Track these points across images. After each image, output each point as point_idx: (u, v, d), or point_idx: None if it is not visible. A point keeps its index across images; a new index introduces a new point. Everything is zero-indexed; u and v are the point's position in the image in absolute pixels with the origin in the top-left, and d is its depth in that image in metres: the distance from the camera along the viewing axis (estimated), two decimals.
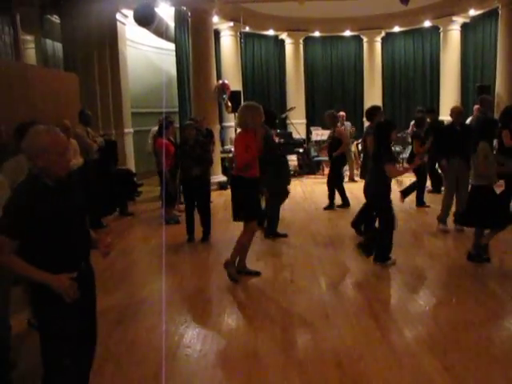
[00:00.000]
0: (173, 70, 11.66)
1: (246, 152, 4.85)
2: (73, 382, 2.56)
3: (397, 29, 14.75)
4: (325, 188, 8.73)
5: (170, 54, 12.23)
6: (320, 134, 12.74)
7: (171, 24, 11.22)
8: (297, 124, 13.87)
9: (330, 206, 8.59)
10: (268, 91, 15.03)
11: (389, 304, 4.45)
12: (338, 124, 11.35)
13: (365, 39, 15.12)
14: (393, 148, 5.71)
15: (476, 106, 9.97)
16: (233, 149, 11.80)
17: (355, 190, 10.09)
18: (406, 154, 11.09)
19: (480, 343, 3.59)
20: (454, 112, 6.91)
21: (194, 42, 10.84)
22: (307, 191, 10.32)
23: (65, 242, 2.46)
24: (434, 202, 8.13)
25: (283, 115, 13.36)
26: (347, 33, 15.08)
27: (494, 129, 5.38)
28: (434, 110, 9.77)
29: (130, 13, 9.94)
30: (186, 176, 6.72)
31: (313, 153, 12.86)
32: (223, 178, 11.23)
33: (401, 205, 7.83)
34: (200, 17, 10.77)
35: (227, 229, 7.35)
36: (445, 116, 11.07)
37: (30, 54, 10.07)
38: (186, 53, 11.19)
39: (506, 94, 10.56)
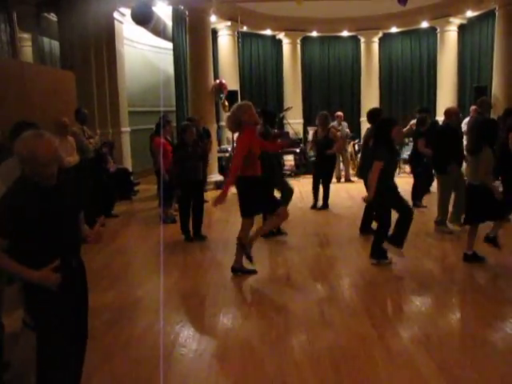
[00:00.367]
0: (170, 69, 11.66)
1: (242, 153, 4.85)
2: (66, 378, 2.57)
3: (394, 29, 14.76)
4: (321, 188, 8.66)
5: (167, 53, 12.22)
6: None
7: (169, 23, 11.22)
8: (294, 124, 13.89)
9: (316, 205, 8.60)
10: (265, 91, 15.02)
11: (385, 304, 4.45)
12: (335, 124, 11.42)
13: (362, 39, 15.13)
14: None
15: (473, 107, 9.99)
16: (229, 148, 11.85)
17: (352, 190, 10.13)
18: (403, 155, 11.08)
19: (476, 344, 3.60)
20: (454, 113, 6.87)
21: (191, 41, 10.84)
22: (304, 191, 10.32)
23: (53, 241, 2.48)
24: (427, 202, 8.14)
25: (280, 115, 13.36)
26: (345, 33, 15.08)
27: (496, 132, 5.33)
28: (429, 110, 9.69)
29: (127, 11, 9.93)
30: (187, 176, 6.70)
31: (309, 153, 12.85)
32: (220, 178, 11.23)
33: None
34: (198, 16, 10.77)
35: (224, 228, 7.37)
36: (442, 116, 11.06)
37: (27, 51, 10.04)
38: (184, 52, 11.19)
39: (502, 95, 10.59)
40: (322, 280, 5.10)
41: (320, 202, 8.56)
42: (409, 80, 15.11)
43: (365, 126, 13.88)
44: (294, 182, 10.72)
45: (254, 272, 5.22)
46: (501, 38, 11.09)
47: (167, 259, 5.88)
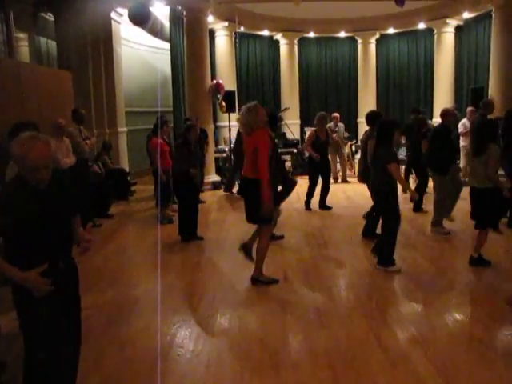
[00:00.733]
0: (167, 69, 11.65)
1: (267, 152, 4.72)
2: (54, 381, 2.56)
3: (391, 30, 14.80)
4: (318, 188, 8.63)
5: (164, 54, 12.21)
6: None
7: (166, 23, 11.21)
8: (291, 125, 13.88)
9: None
10: (262, 91, 15.03)
11: (382, 305, 4.45)
12: (332, 125, 11.44)
13: (359, 40, 15.16)
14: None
15: (469, 108, 10.01)
16: (226, 148, 11.84)
17: (348, 190, 10.15)
18: (400, 156, 11.07)
19: (473, 345, 3.60)
20: (450, 114, 6.92)
21: (188, 41, 10.83)
22: (301, 192, 10.32)
23: (39, 242, 2.46)
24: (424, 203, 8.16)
25: (278, 115, 13.35)
26: (342, 34, 15.11)
27: (497, 131, 5.41)
28: (420, 111, 9.63)
29: (124, 11, 9.91)
30: (187, 177, 6.68)
31: (306, 153, 12.83)
32: (217, 178, 11.24)
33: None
34: (195, 16, 10.76)
35: (221, 229, 7.37)
36: (438, 118, 11.10)
37: (24, 51, 10.00)
38: (181, 52, 11.19)
39: (498, 96, 10.62)
40: (319, 281, 5.09)
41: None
42: (406, 81, 15.16)
43: (361, 126, 13.99)
44: None
45: (276, 281, 5.02)
46: (497, 39, 11.13)
47: (164, 260, 5.87)
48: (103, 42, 9.92)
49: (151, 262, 5.90)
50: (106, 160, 9.32)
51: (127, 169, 10.57)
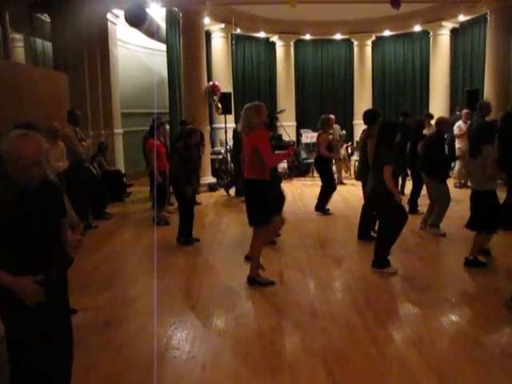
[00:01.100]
0: (163, 70, 11.65)
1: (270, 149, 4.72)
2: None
3: (387, 33, 14.85)
4: (315, 190, 8.64)
5: (160, 55, 12.21)
6: (310, 137, 12.77)
7: (162, 25, 11.20)
8: (287, 126, 13.86)
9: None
10: (258, 93, 15.02)
11: (378, 306, 4.46)
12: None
13: (355, 43, 15.20)
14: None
15: (464, 111, 10.05)
16: (222, 150, 11.84)
17: (344, 192, 10.16)
18: None
19: (469, 346, 3.61)
20: (446, 122, 7.00)
21: (185, 43, 10.84)
22: (297, 193, 10.35)
23: (27, 245, 2.38)
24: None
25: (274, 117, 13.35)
26: (338, 36, 15.16)
27: (493, 134, 5.41)
28: (408, 114, 9.58)
29: (121, 13, 9.91)
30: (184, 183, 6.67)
31: (303, 155, 12.87)
32: (213, 180, 11.23)
33: None
34: (191, 18, 10.76)
35: (217, 230, 7.37)
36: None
37: (19, 52, 9.99)
38: (177, 54, 11.18)
39: (493, 98, 10.66)
40: (315, 282, 5.10)
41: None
42: (401, 83, 15.21)
43: (358, 128, 14.01)
44: (286, 185, 10.80)
45: (272, 283, 5.00)
46: (492, 41, 11.21)
47: (160, 261, 5.86)
48: (99, 44, 9.92)
49: (147, 263, 5.89)
50: (101, 161, 9.32)
51: (123, 170, 10.56)
